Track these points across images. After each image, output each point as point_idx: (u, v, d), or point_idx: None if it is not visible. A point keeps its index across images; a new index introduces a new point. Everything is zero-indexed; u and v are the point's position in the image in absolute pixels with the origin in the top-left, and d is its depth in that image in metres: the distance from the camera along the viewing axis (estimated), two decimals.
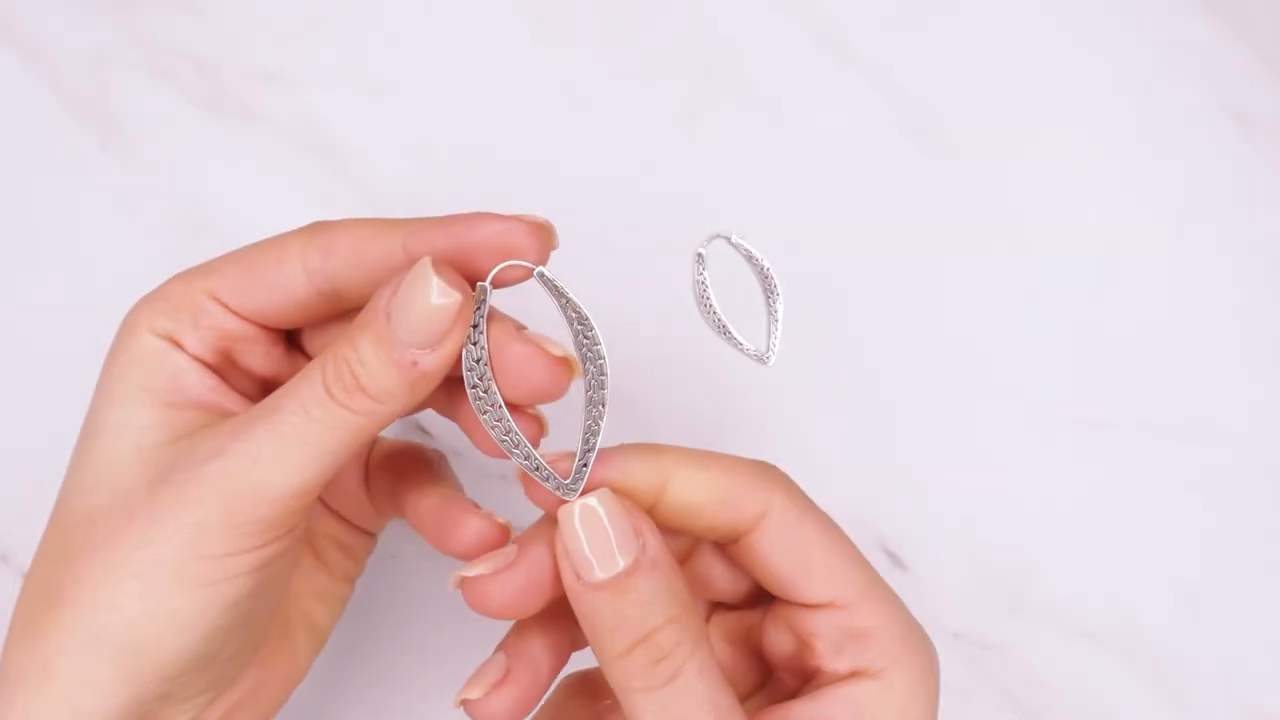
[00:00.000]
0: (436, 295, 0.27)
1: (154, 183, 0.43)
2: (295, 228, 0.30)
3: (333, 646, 0.42)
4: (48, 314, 0.42)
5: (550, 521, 0.29)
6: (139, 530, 0.27)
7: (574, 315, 0.28)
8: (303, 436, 0.27)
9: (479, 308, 0.28)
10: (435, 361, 0.27)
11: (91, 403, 0.30)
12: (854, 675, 0.29)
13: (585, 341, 0.28)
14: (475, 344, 0.28)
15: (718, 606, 0.34)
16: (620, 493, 0.28)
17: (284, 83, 0.44)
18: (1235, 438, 0.43)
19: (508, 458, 0.29)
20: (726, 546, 0.31)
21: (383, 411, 0.28)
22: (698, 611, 0.28)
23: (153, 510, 0.28)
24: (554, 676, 0.31)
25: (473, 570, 0.29)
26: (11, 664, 0.28)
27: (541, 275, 0.28)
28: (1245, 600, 0.42)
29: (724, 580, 0.33)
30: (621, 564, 0.27)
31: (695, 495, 0.29)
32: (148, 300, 0.31)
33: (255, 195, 0.43)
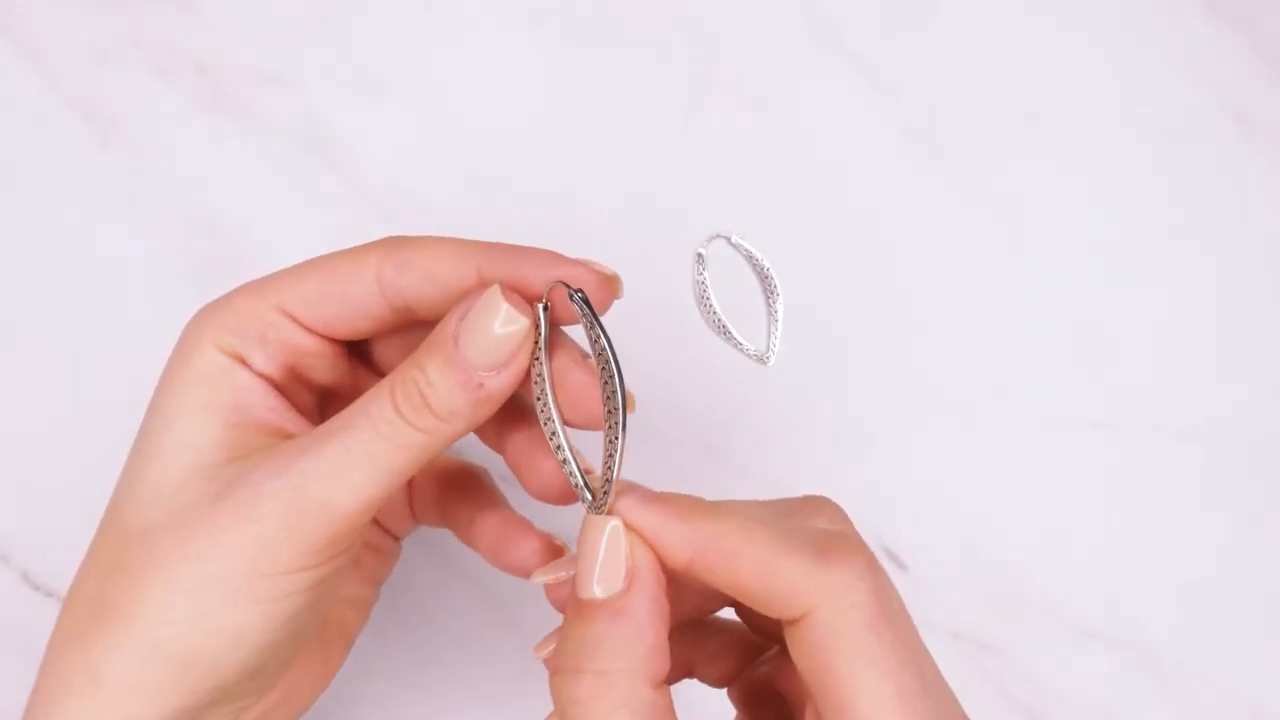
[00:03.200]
0: (504, 321, 0.28)
1: (154, 182, 0.43)
2: (367, 242, 0.31)
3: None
4: (48, 314, 0.42)
5: None
6: (199, 546, 0.28)
7: (598, 346, 0.29)
8: (371, 454, 0.28)
9: (538, 327, 0.29)
10: (501, 383, 0.28)
11: (149, 414, 0.30)
12: None
13: (604, 375, 0.28)
14: (537, 360, 0.29)
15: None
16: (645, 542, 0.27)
17: (284, 83, 0.44)
18: (1235, 438, 0.43)
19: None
20: None
21: (448, 431, 0.28)
22: (647, 683, 0.26)
23: (214, 527, 0.28)
24: None
25: (546, 577, 0.30)
26: (56, 672, 0.28)
27: (574, 298, 0.28)
28: (1246, 600, 0.42)
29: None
30: (593, 594, 0.27)
31: (722, 581, 0.26)
32: (212, 313, 0.30)
33: (255, 195, 0.43)
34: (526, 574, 0.33)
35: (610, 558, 0.27)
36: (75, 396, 0.41)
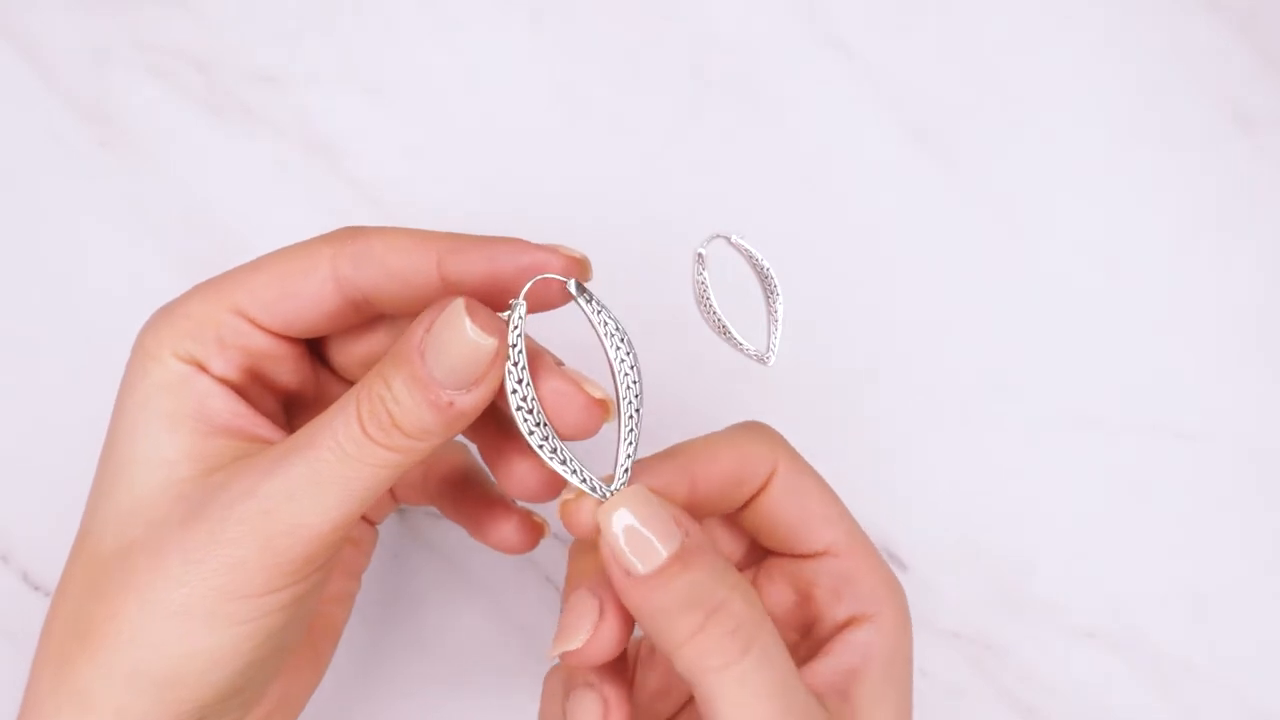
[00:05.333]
0: (472, 337, 0.26)
1: (154, 182, 0.43)
2: (321, 234, 0.30)
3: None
4: (47, 314, 0.42)
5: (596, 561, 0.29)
6: (173, 570, 0.27)
7: (610, 329, 0.28)
8: (339, 474, 0.27)
9: (515, 326, 0.28)
10: (472, 401, 0.27)
11: (112, 429, 0.29)
12: (852, 622, 0.31)
13: (619, 354, 0.29)
14: (516, 364, 0.28)
15: None
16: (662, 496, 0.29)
17: (284, 83, 0.44)
18: (1235, 437, 0.43)
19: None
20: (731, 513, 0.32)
21: (420, 448, 0.27)
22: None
23: (186, 550, 0.27)
24: None
25: (574, 641, 0.29)
26: (43, 697, 0.28)
27: (578, 288, 0.28)
28: (1246, 600, 0.42)
29: (723, 543, 0.34)
30: (668, 552, 0.27)
31: (717, 482, 0.30)
32: (166, 319, 0.29)
33: (255, 195, 0.43)
34: (510, 550, 0.34)
35: (661, 518, 0.28)
36: (75, 396, 0.41)
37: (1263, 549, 0.43)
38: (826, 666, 0.31)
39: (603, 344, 0.29)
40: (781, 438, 0.32)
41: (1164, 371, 0.43)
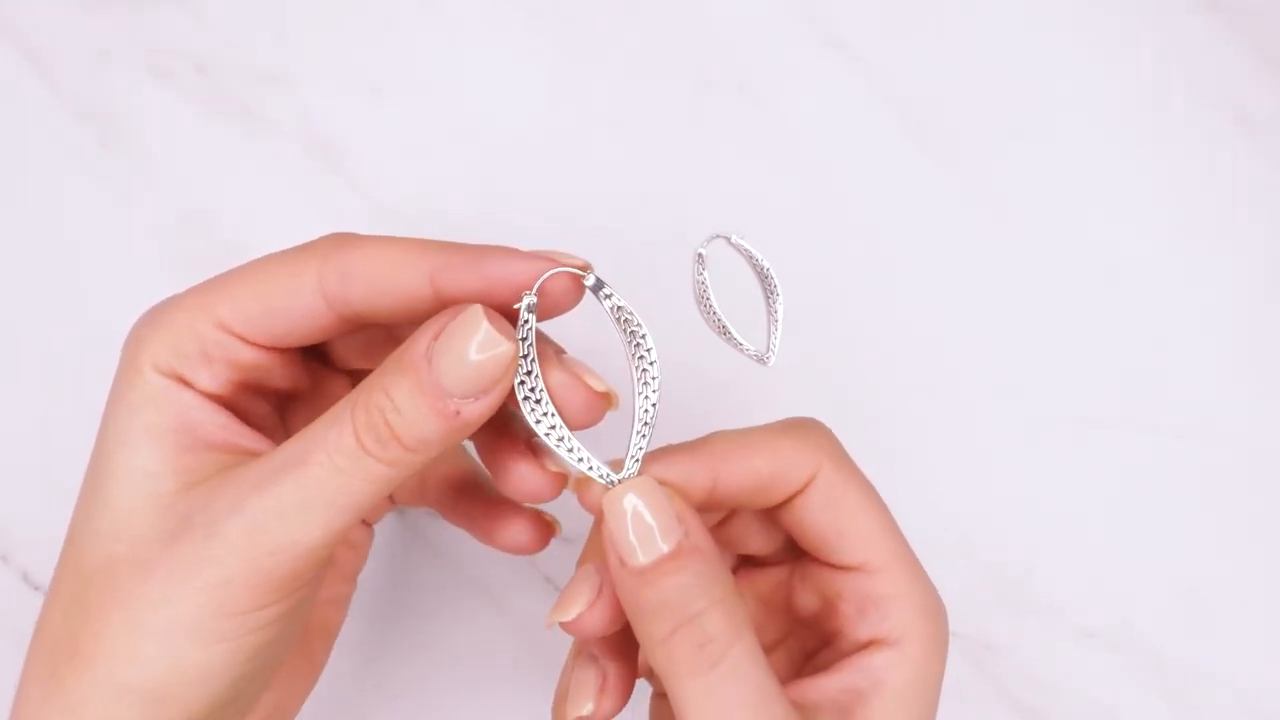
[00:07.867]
0: (489, 345, 0.26)
1: (153, 183, 0.43)
2: (308, 240, 0.29)
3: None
4: (46, 315, 0.42)
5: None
6: (158, 587, 0.27)
7: (626, 322, 0.28)
8: (330, 490, 0.26)
9: (527, 320, 0.27)
10: (479, 410, 0.26)
11: (98, 441, 0.29)
12: (872, 644, 0.30)
13: (637, 348, 0.29)
14: (525, 356, 0.28)
15: (744, 562, 0.34)
16: (673, 490, 0.28)
17: (284, 83, 0.44)
18: (1235, 438, 0.43)
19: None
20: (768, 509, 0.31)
21: (416, 461, 0.27)
22: (741, 597, 0.28)
23: (171, 567, 0.27)
24: None
25: (568, 614, 0.29)
26: (34, 706, 0.28)
27: (595, 283, 0.28)
28: (1245, 600, 0.42)
29: (758, 537, 0.33)
30: (664, 549, 0.27)
31: (745, 483, 0.30)
32: (150, 330, 0.29)
33: (255, 195, 0.43)
34: (519, 551, 0.33)
35: (661, 513, 0.27)
36: (75, 396, 0.41)
37: (1262, 549, 0.43)
38: (833, 683, 0.30)
39: (621, 336, 0.29)
40: (832, 440, 0.31)
41: (1164, 372, 0.43)
